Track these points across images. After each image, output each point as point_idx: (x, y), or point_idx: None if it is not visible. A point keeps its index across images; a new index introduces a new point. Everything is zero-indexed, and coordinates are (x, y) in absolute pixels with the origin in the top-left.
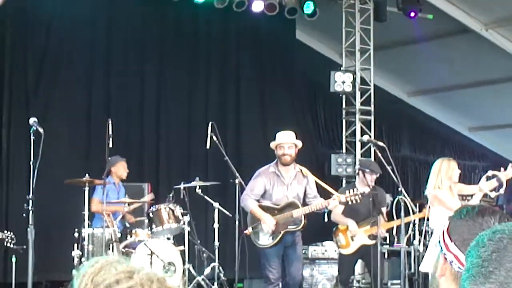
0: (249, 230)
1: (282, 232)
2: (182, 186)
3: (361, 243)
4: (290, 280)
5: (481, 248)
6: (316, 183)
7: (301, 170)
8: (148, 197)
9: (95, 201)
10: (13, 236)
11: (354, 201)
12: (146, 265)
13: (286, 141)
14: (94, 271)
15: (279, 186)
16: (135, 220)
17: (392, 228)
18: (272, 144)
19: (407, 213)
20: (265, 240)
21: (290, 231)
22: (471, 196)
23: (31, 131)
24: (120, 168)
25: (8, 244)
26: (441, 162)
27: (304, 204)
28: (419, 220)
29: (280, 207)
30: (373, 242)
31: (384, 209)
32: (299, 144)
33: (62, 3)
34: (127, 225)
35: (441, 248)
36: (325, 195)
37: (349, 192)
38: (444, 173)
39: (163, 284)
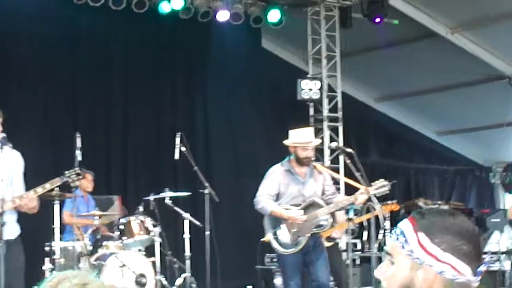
0: (268, 237)
1: (308, 235)
2: (151, 197)
3: None
4: (317, 286)
5: None
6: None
7: (315, 167)
8: (117, 208)
9: (66, 214)
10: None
11: (383, 193)
12: (117, 277)
13: (310, 143)
14: (51, 285)
15: (294, 184)
16: (108, 233)
17: (362, 234)
18: (291, 144)
19: (377, 220)
20: (288, 245)
21: (315, 234)
22: None
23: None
24: (84, 182)
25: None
26: None
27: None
28: (391, 225)
29: (300, 208)
30: (332, 243)
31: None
32: (318, 142)
33: (26, 16)
34: (100, 236)
35: (419, 259)
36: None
37: (376, 184)
38: None
39: None
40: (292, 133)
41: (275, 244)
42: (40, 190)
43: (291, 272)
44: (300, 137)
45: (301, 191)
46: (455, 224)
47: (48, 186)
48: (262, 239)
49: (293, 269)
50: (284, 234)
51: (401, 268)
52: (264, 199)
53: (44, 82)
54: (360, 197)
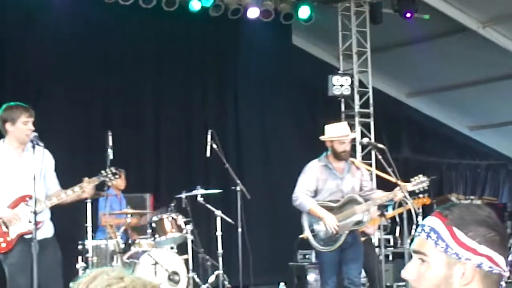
0: (306, 233)
1: (346, 233)
2: (183, 195)
3: None
4: (349, 284)
5: None
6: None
7: (353, 162)
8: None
9: (102, 215)
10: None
11: (422, 189)
12: (150, 275)
13: (347, 136)
14: (88, 279)
15: (332, 180)
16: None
17: (395, 229)
18: (328, 138)
19: (409, 215)
20: (326, 242)
21: (353, 230)
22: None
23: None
24: (118, 180)
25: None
26: None
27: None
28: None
29: (339, 204)
30: (365, 238)
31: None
32: (354, 136)
33: (58, 16)
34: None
35: (457, 254)
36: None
37: (415, 180)
38: None
39: None
40: (328, 127)
41: (313, 241)
42: (77, 189)
43: (329, 270)
44: (337, 131)
45: (340, 187)
46: (484, 216)
47: (85, 185)
48: (300, 236)
49: (331, 267)
50: (322, 231)
51: (435, 267)
52: (302, 196)
53: (75, 81)
54: (399, 194)
